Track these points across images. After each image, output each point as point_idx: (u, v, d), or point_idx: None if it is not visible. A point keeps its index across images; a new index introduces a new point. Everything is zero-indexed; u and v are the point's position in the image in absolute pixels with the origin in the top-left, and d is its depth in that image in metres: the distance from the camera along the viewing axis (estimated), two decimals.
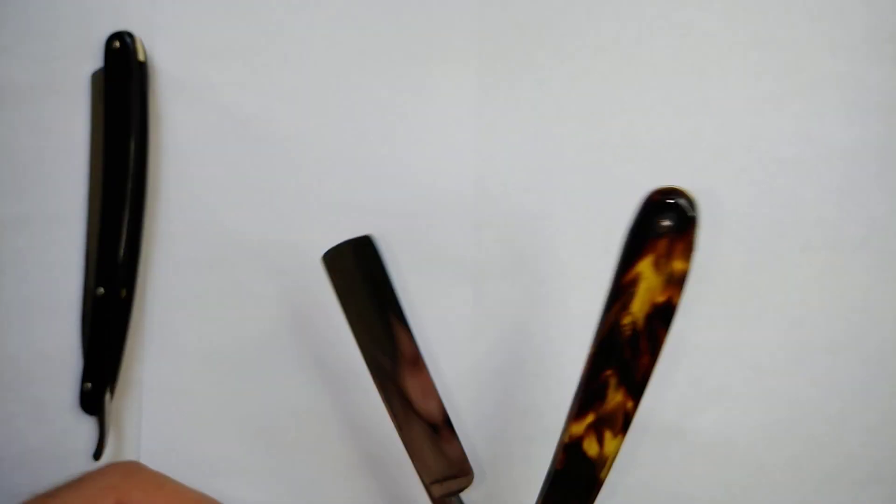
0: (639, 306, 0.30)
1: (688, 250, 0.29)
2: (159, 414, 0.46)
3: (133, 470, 0.34)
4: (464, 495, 0.38)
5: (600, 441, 0.32)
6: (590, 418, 0.31)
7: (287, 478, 0.47)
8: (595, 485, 0.32)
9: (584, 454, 0.32)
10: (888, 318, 0.45)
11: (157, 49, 0.47)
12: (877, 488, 0.45)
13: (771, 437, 0.45)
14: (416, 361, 0.36)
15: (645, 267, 0.29)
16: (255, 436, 0.46)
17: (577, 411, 0.32)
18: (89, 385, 0.45)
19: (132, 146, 0.45)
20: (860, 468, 0.45)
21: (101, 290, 0.45)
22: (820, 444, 0.45)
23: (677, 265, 0.29)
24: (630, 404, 0.31)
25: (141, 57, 0.46)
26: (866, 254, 0.44)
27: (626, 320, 0.30)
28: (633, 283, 0.29)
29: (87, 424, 0.46)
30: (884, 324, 0.44)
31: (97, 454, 0.45)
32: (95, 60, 0.47)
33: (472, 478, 0.37)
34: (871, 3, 0.44)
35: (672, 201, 0.29)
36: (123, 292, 0.45)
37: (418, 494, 0.42)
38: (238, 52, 0.47)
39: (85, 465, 0.46)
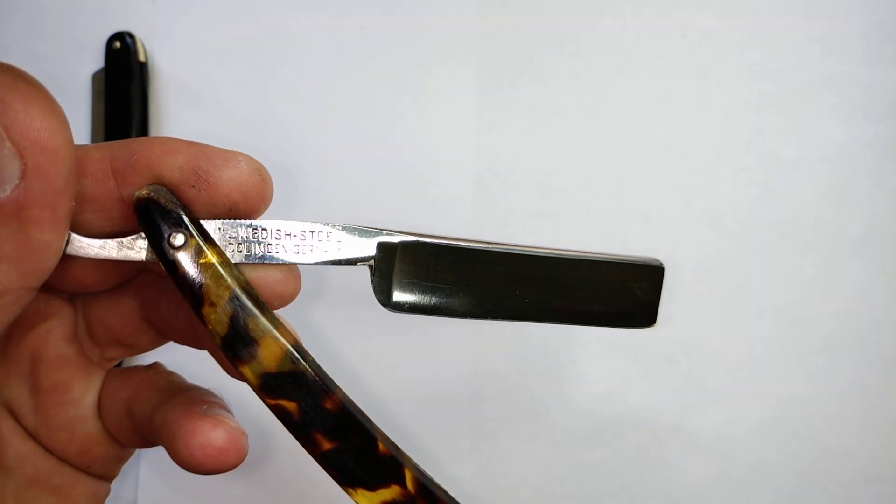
0: None
1: None
2: None
3: None
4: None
5: None
6: None
7: None
8: None
9: None
10: (887, 317, 0.45)
11: (157, 49, 0.47)
12: (876, 487, 0.45)
13: (771, 436, 0.45)
14: None
15: None
16: None
17: None
18: None
19: None
20: (859, 467, 0.45)
21: None
22: (819, 444, 0.45)
23: None
24: None
25: (142, 57, 0.46)
26: (865, 254, 0.44)
27: None
28: None
29: None
30: (883, 323, 0.45)
31: None
32: (96, 61, 0.47)
33: None
34: (869, 4, 0.44)
35: None
36: None
37: None
38: (238, 52, 0.47)
39: None
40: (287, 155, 0.47)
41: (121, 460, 0.25)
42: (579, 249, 0.25)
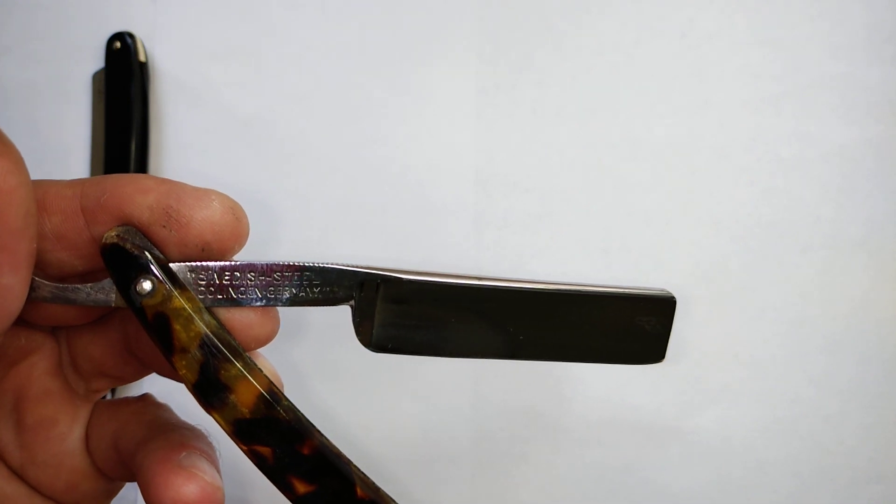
0: None
1: None
2: None
3: None
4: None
5: None
6: None
7: None
8: None
9: None
10: (887, 317, 0.45)
11: (157, 49, 0.47)
12: (876, 487, 0.45)
13: (770, 436, 0.45)
14: None
15: None
16: None
17: None
18: None
19: (133, 146, 0.45)
20: (859, 467, 0.45)
21: None
22: (819, 444, 0.45)
23: None
24: None
25: (142, 57, 0.46)
26: (865, 254, 0.44)
27: None
28: None
29: None
30: (883, 323, 0.44)
31: None
32: (96, 61, 0.47)
33: None
34: (870, 4, 0.44)
35: None
36: None
37: None
38: (238, 52, 0.47)
39: None
40: (287, 154, 0.47)
41: (110, 495, 0.24)
42: (580, 283, 0.23)
